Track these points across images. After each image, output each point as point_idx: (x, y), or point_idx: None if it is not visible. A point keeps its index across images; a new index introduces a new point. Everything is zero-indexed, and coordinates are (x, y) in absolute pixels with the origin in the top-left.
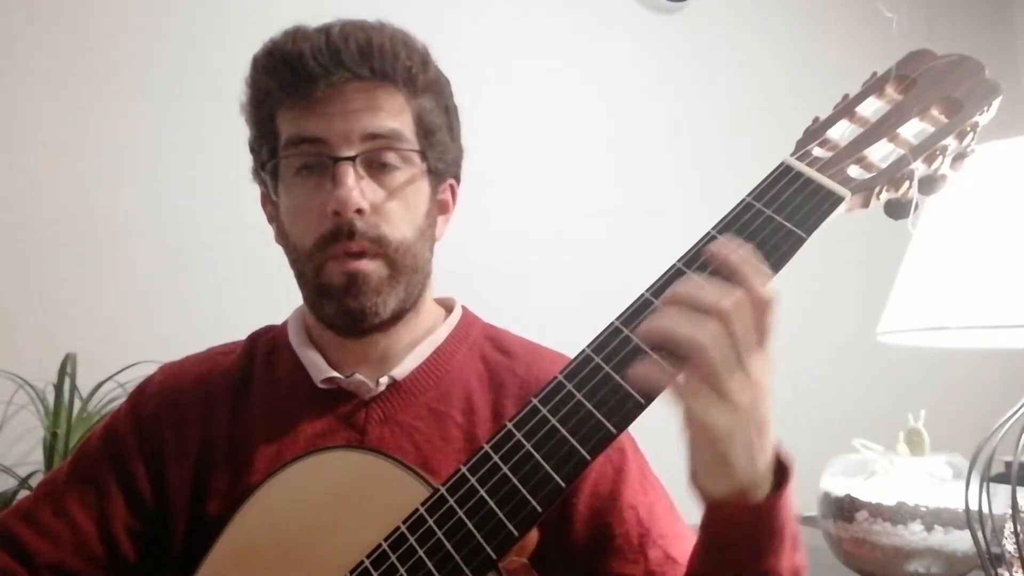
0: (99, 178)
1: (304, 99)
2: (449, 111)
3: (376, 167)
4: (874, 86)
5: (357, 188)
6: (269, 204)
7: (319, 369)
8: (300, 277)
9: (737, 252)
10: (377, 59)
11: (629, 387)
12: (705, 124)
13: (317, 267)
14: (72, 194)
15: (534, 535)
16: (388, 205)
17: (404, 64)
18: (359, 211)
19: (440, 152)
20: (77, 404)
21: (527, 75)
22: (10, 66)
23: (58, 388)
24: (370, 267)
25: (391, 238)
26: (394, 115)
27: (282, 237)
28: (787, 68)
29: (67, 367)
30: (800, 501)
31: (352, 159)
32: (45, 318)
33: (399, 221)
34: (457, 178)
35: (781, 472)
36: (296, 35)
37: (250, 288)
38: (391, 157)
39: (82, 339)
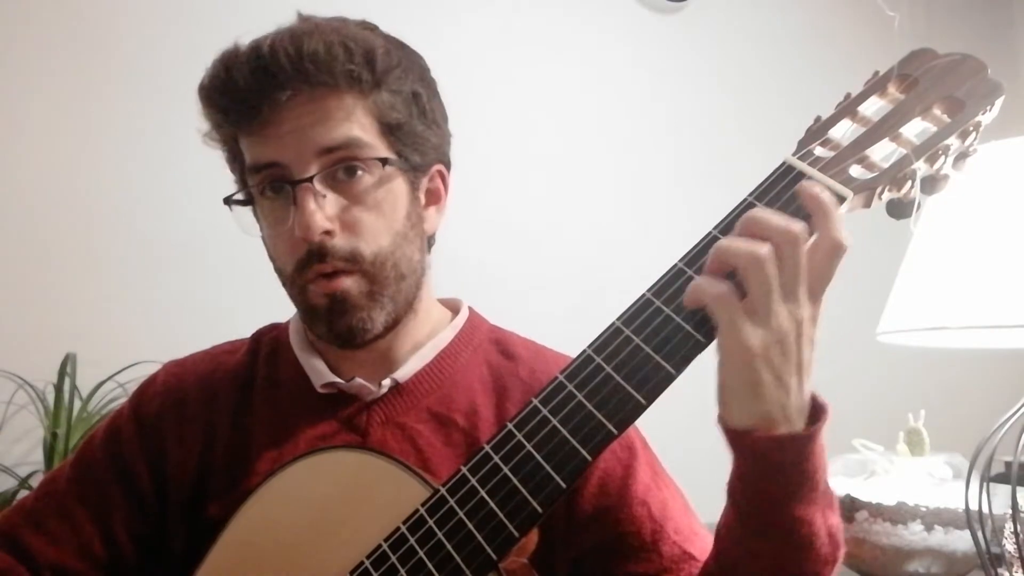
0: (99, 178)
1: (251, 124)
2: (419, 96)
3: (341, 177)
4: (876, 85)
5: (319, 211)
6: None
7: (320, 374)
8: (291, 299)
9: (824, 193)
10: (312, 69)
11: (630, 388)
12: (706, 124)
13: (300, 290)
14: (72, 194)
15: (534, 536)
16: (359, 217)
17: (344, 67)
18: (327, 232)
19: (413, 144)
20: (77, 404)
21: (526, 75)
22: (11, 65)
23: (58, 388)
24: (347, 283)
25: (365, 252)
26: (347, 121)
27: (270, 260)
28: (788, 67)
29: (67, 367)
30: None
31: (309, 180)
32: (45, 318)
33: (373, 232)
34: (446, 163)
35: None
36: (228, 60)
37: (250, 288)
38: (362, 161)
39: (82, 339)
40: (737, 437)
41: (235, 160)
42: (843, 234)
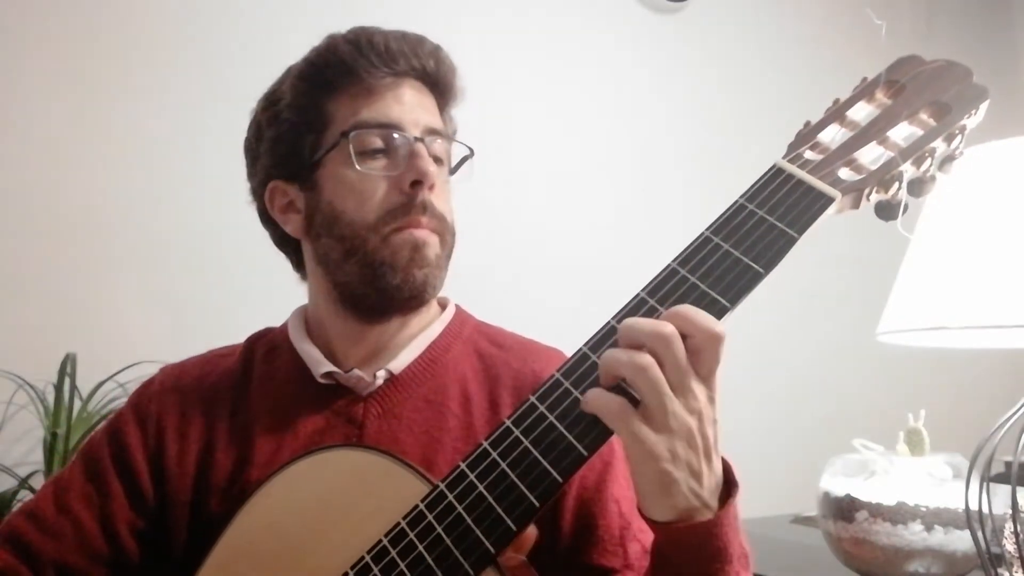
0: (99, 178)
1: (372, 84)
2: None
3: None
4: (864, 91)
5: (434, 165)
6: (280, 196)
7: (318, 363)
8: (352, 254)
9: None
10: (443, 66)
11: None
12: (705, 124)
13: (382, 240)
14: (72, 194)
15: (532, 532)
16: (443, 192)
17: (456, 80)
18: (431, 187)
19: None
20: (77, 404)
21: (525, 75)
22: (13, 64)
23: (58, 388)
24: (432, 240)
25: (447, 219)
26: (443, 120)
27: (323, 220)
28: (787, 68)
29: (67, 367)
30: (800, 501)
31: (422, 141)
32: (45, 318)
33: (449, 209)
34: None
35: (729, 492)
36: (370, 29)
37: (250, 288)
38: (441, 152)
39: (82, 339)
40: (658, 527)
41: (304, 125)
42: (714, 324)
